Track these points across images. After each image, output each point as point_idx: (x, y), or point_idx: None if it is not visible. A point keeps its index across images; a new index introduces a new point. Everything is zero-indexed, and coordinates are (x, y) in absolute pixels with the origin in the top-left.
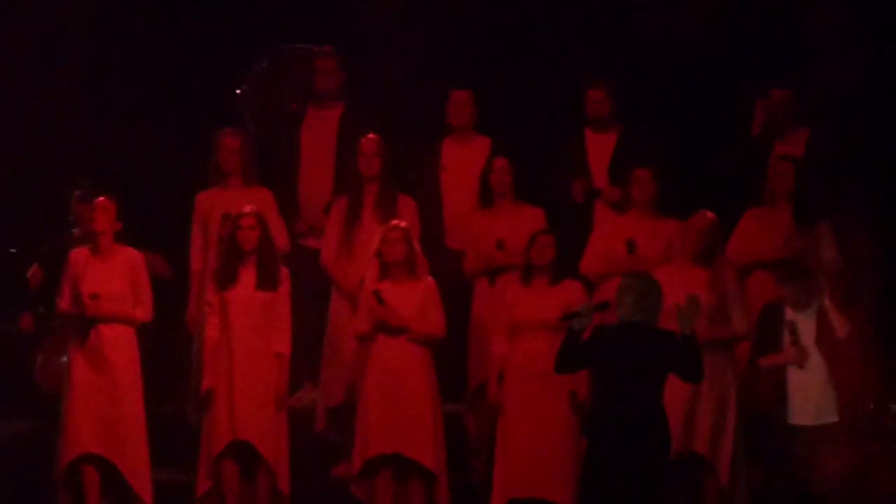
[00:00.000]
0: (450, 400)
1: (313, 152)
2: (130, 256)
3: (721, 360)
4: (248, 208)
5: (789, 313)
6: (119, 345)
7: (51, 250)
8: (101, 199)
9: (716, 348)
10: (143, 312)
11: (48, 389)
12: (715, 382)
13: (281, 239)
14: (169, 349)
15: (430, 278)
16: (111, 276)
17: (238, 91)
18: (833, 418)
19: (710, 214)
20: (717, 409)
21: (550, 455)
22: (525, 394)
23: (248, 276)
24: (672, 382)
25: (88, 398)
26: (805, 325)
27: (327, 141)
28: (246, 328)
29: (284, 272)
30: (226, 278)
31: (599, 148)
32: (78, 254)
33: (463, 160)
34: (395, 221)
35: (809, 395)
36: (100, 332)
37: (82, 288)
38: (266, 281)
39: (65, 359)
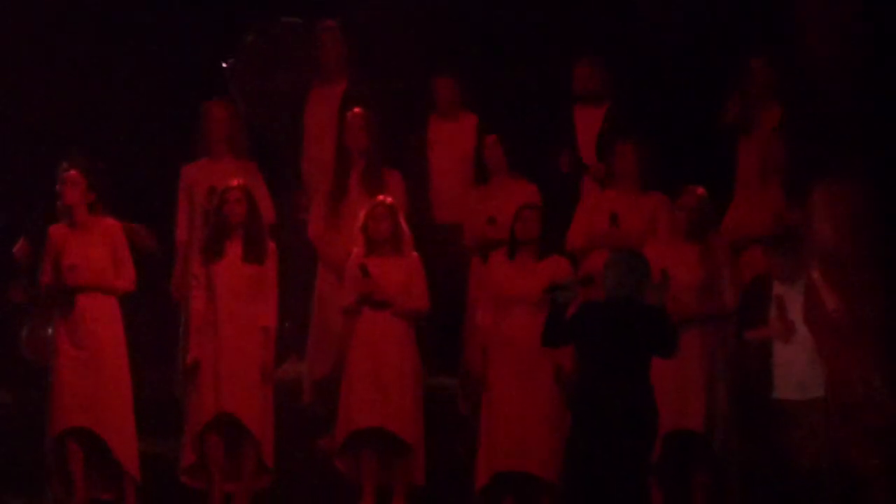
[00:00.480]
0: (443, 374)
1: (316, 128)
2: (109, 227)
3: (711, 336)
4: (234, 181)
5: (777, 287)
6: (102, 316)
7: (37, 224)
8: (71, 172)
9: (706, 324)
10: (125, 282)
11: (36, 361)
12: (706, 358)
13: (268, 212)
14: (155, 320)
15: (415, 253)
16: (90, 246)
17: (224, 64)
18: (818, 393)
19: (699, 190)
20: (708, 385)
21: (535, 429)
22: (510, 368)
23: (234, 249)
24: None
25: (73, 371)
26: (792, 298)
27: (330, 117)
28: (232, 301)
29: (271, 246)
30: (212, 251)
31: (588, 123)
32: (57, 228)
33: (450, 136)
34: (380, 197)
35: (794, 370)
36: (82, 304)
37: (62, 261)
38: (252, 254)
39: (50, 331)
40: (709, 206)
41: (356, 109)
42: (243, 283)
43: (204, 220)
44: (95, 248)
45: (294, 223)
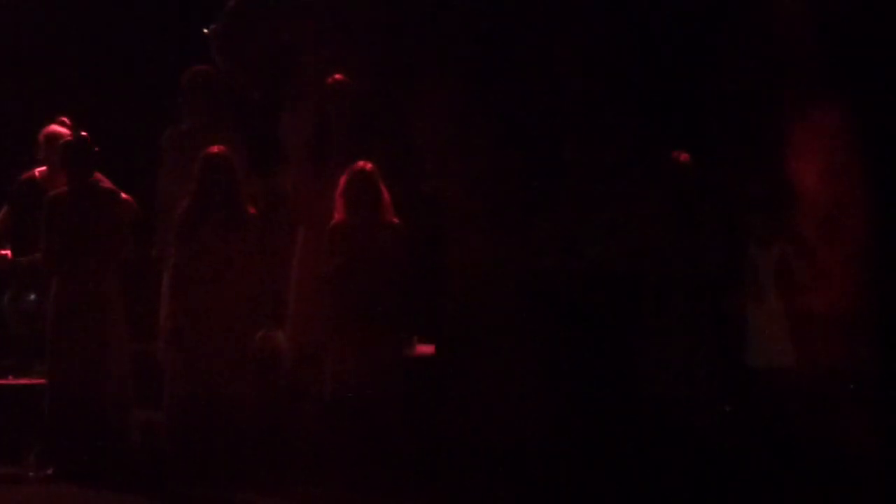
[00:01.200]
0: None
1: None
2: (104, 192)
3: (695, 301)
4: (215, 148)
5: (752, 248)
6: (104, 282)
7: (21, 191)
8: (63, 138)
9: (690, 288)
10: (123, 248)
11: (16, 328)
12: (690, 323)
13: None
14: (140, 287)
15: (396, 220)
16: (87, 212)
17: (206, 30)
18: (789, 362)
19: (683, 156)
20: (688, 349)
21: None
22: None
23: (216, 216)
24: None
25: (73, 337)
26: (765, 262)
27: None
28: (213, 268)
29: (252, 213)
30: (194, 219)
31: None
32: (55, 195)
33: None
34: (360, 163)
35: (765, 338)
36: (81, 269)
37: (61, 226)
38: (234, 222)
39: (32, 297)
40: (694, 171)
41: (337, 76)
42: (224, 251)
43: (187, 187)
44: (93, 214)
45: (274, 189)
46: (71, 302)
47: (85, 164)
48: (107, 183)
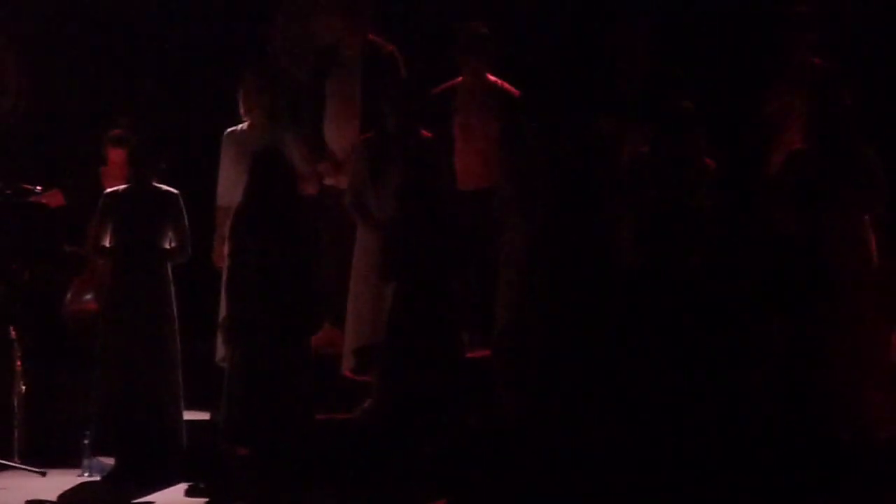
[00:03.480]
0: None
1: (339, 91)
2: (162, 193)
3: None
4: (269, 146)
5: None
6: (156, 280)
7: (81, 188)
8: (122, 136)
9: None
10: (181, 250)
11: (75, 327)
12: None
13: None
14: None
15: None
16: (146, 212)
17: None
18: None
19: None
20: None
21: None
22: None
23: (271, 214)
24: None
25: (124, 334)
26: None
27: (354, 80)
28: (269, 266)
29: (309, 209)
30: (249, 217)
31: None
32: (112, 192)
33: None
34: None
35: None
36: (137, 267)
37: (117, 224)
38: (289, 219)
39: (89, 296)
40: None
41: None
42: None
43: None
44: (151, 213)
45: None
46: (123, 299)
47: (147, 165)
48: (165, 187)
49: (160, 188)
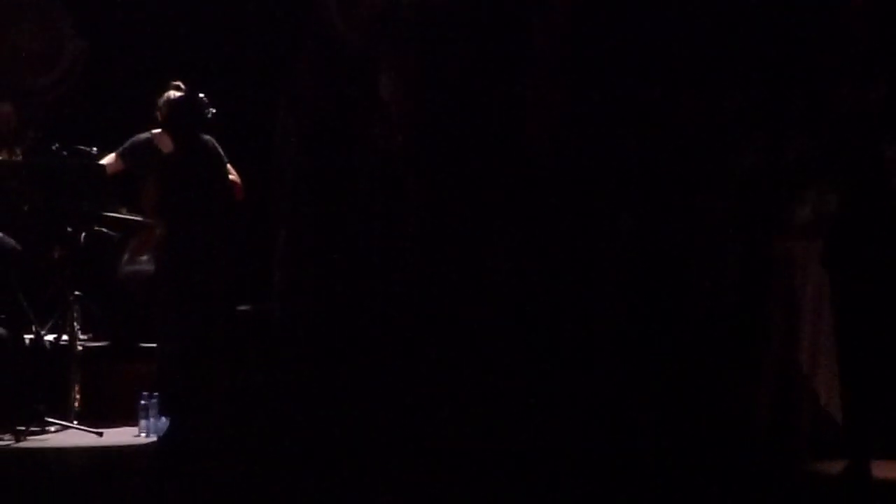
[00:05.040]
0: None
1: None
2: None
3: None
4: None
5: None
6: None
7: (136, 150)
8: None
9: None
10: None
11: (132, 289)
12: None
13: None
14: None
15: None
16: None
17: None
18: None
19: None
20: None
21: None
22: None
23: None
24: None
25: (180, 296)
26: None
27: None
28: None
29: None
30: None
31: None
32: (166, 155)
33: None
34: None
35: None
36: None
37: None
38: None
39: (145, 258)
40: None
41: None
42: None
43: None
44: (202, 172)
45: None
46: (179, 259)
47: (197, 124)
48: (218, 148)
49: (211, 146)
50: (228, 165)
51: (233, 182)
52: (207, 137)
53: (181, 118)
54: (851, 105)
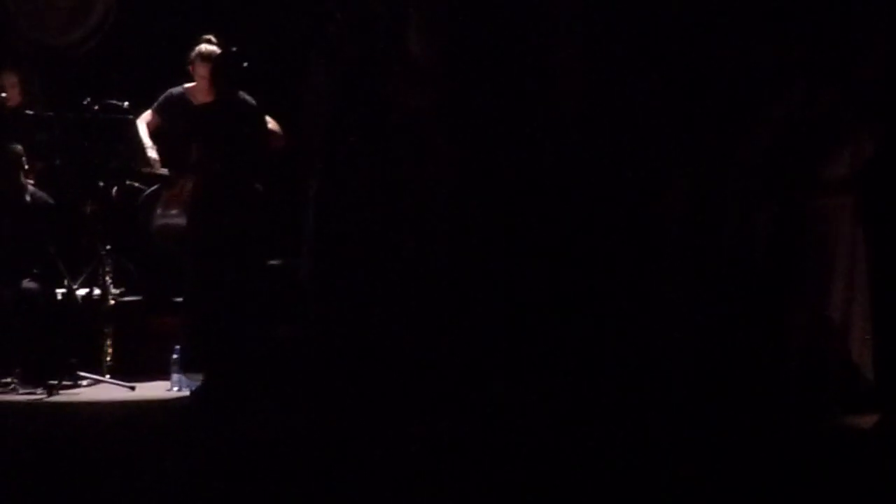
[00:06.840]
0: None
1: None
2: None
3: None
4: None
5: None
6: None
7: (170, 104)
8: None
9: None
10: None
11: (164, 243)
12: None
13: None
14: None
15: None
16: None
17: None
18: None
19: None
20: None
21: None
22: None
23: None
24: None
25: (212, 253)
26: None
27: None
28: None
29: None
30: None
31: None
32: (199, 109)
33: None
34: None
35: None
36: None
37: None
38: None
39: (176, 212)
40: None
41: None
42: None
43: None
44: (238, 124)
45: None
46: (211, 214)
47: (232, 77)
48: (250, 98)
49: (246, 101)
50: (267, 117)
51: (271, 131)
52: (242, 92)
53: (220, 73)
54: (885, 56)
